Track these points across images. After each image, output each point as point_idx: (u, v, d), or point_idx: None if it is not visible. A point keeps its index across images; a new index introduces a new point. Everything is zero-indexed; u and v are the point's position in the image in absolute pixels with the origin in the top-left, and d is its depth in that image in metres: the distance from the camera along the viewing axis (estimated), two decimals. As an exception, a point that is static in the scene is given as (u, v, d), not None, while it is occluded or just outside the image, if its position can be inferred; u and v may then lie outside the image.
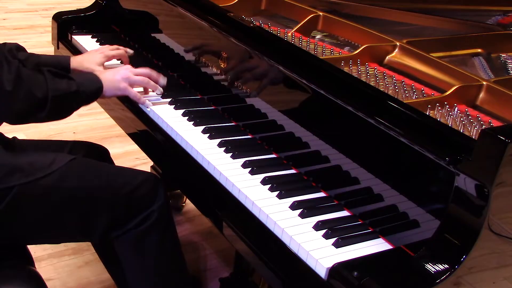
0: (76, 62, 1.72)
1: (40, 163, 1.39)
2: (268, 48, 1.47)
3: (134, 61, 1.81)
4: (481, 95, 1.37)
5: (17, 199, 1.35)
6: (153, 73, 1.67)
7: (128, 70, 1.62)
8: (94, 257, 2.10)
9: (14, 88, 1.35)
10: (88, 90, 1.52)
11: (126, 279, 1.55)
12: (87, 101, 1.55)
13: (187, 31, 1.81)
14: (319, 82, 1.32)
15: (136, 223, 1.47)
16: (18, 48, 1.65)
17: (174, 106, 1.63)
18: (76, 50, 2.05)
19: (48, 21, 2.35)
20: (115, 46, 1.81)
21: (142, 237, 1.48)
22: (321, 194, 1.31)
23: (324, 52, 1.58)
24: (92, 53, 1.78)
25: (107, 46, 1.83)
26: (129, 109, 1.69)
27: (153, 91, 1.68)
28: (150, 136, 1.61)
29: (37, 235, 1.47)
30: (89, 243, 2.02)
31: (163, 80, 1.68)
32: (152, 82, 1.66)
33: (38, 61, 1.65)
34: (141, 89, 1.69)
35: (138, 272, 1.53)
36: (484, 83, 1.37)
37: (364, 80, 1.40)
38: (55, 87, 1.43)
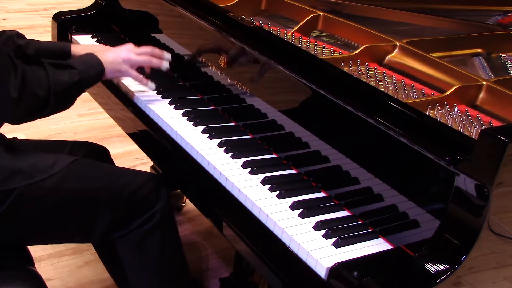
0: (77, 49, 1.68)
1: (41, 165, 1.39)
2: (268, 48, 1.47)
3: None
4: (481, 95, 1.37)
5: (19, 201, 1.34)
6: (156, 50, 1.63)
7: (129, 51, 1.59)
8: (94, 257, 2.10)
9: (19, 93, 1.33)
10: (90, 76, 1.51)
11: (127, 279, 1.55)
12: (89, 86, 1.55)
13: (187, 31, 1.81)
14: (319, 82, 1.32)
15: (139, 223, 1.47)
16: (18, 35, 1.62)
17: (174, 106, 1.63)
18: (76, 50, 2.05)
19: (48, 21, 2.35)
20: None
21: (145, 238, 1.48)
22: (321, 194, 1.31)
23: (324, 52, 1.58)
24: (97, 46, 1.77)
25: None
26: (129, 109, 1.69)
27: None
28: (150, 136, 1.61)
29: (38, 237, 1.47)
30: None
31: (167, 55, 1.65)
32: (155, 60, 1.62)
33: (39, 47, 1.63)
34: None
35: (139, 272, 1.54)
36: (484, 83, 1.37)
37: (364, 80, 1.40)
38: (57, 80, 1.41)
